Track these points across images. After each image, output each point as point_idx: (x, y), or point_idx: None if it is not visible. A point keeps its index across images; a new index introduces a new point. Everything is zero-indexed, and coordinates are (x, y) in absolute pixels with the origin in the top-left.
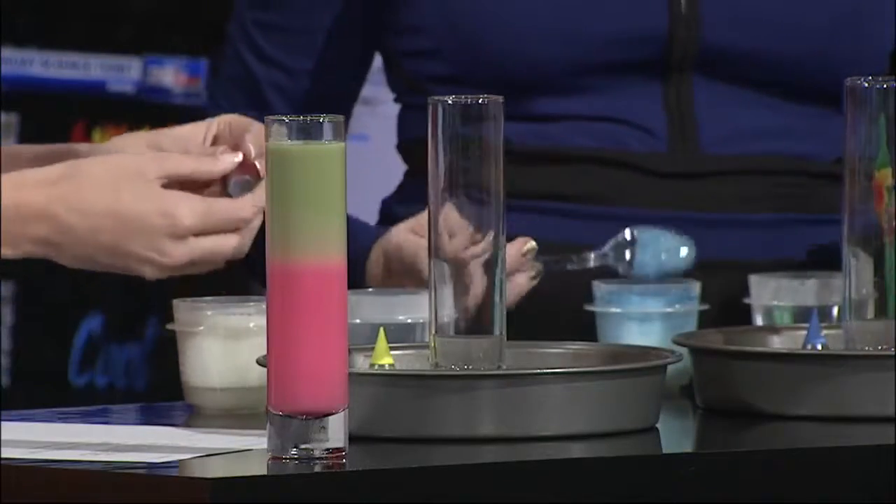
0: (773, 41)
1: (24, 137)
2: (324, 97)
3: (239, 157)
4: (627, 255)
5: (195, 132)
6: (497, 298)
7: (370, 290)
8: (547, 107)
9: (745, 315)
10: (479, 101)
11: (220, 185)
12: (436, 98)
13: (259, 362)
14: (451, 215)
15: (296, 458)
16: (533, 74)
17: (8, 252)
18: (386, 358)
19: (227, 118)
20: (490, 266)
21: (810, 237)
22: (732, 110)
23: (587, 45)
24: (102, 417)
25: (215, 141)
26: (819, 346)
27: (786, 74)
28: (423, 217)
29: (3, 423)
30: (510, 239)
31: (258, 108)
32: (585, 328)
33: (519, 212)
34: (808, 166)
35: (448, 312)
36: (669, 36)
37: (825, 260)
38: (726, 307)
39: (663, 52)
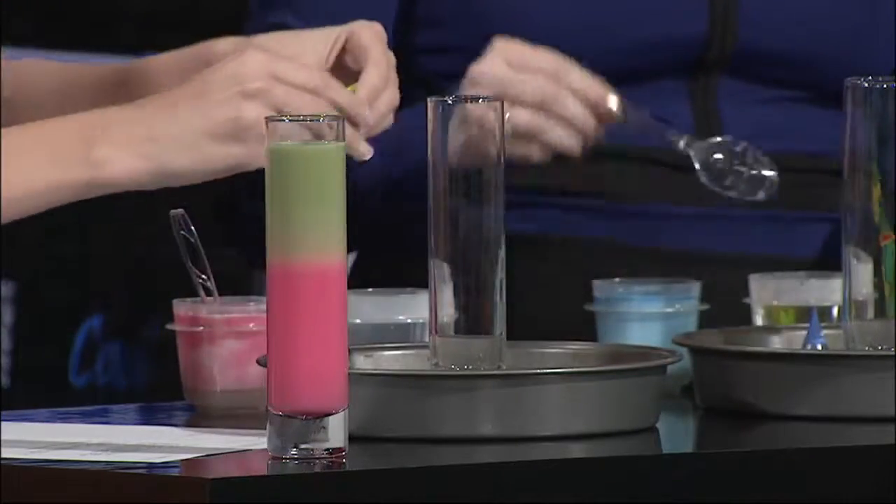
0: (802, 42)
1: None
2: None
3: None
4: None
5: (317, 49)
6: (497, 298)
7: (370, 290)
8: None
9: (745, 315)
10: (479, 101)
11: None
12: (436, 98)
13: (259, 362)
14: None
15: (296, 458)
16: None
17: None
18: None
19: (352, 31)
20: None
21: (822, 236)
22: (755, 109)
23: (627, 48)
24: (102, 417)
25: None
26: (819, 346)
27: (810, 75)
28: None
29: (3, 423)
30: None
31: None
32: (585, 328)
33: (543, 207)
34: (826, 164)
35: (448, 312)
36: (708, 39)
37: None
38: (726, 307)
39: (700, 54)
